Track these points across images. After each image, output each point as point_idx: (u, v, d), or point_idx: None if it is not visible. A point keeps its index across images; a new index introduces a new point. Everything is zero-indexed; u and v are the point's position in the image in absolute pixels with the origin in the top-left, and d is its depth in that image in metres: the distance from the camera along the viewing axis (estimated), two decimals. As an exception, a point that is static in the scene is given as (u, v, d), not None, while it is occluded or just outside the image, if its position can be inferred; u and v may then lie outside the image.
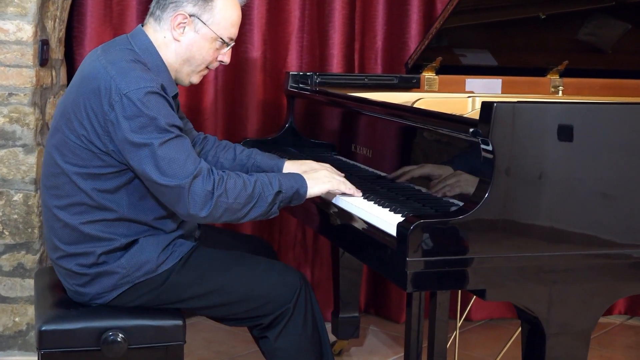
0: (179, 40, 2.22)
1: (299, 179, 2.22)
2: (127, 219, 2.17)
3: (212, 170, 2.11)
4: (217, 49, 2.27)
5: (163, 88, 2.12)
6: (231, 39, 2.28)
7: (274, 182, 2.17)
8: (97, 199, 2.14)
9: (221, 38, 2.25)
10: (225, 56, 2.30)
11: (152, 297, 2.21)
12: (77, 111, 2.12)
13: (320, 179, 2.25)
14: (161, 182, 2.06)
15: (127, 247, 2.19)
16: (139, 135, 2.05)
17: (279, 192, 2.16)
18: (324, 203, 2.35)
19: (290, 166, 2.49)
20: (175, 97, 2.25)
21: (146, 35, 2.23)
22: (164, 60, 2.22)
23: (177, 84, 2.29)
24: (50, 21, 3.06)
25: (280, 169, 2.49)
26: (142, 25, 2.26)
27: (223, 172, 2.14)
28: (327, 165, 2.39)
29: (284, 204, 2.20)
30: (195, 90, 3.44)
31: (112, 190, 2.15)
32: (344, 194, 2.26)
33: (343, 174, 2.34)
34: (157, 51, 2.22)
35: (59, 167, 2.16)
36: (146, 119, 2.04)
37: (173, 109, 2.14)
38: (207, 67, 2.29)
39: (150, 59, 2.20)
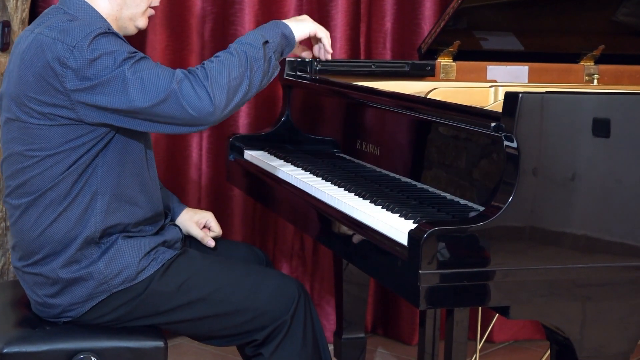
0: None
1: (275, 24, 2.33)
2: (104, 195, 2.19)
3: (189, 69, 2.16)
4: None
5: (110, 29, 2.16)
6: None
7: (254, 38, 2.24)
8: (71, 187, 2.16)
9: None
10: None
11: (129, 309, 2.22)
12: (29, 89, 2.14)
13: (305, 21, 2.39)
14: (147, 104, 2.09)
15: (104, 251, 2.20)
16: (105, 74, 2.08)
17: (265, 42, 2.24)
18: (324, 207, 2.36)
19: (185, 214, 2.58)
20: None
21: None
22: (101, 15, 2.25)
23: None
24: (11, 0, 3.06)
25: (176, 213, 2.58)
26: None
27: (201, 64, 2.19)
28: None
29: (279, 55, 2.29)
30: (177, 79, 3.44)
31: (88, 162, 2.17)
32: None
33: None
34: (92, 7, 2.25)
35: (27, 159, 2.18)
36: (105, 58, 2.09)
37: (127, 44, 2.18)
38: (149, 7, 2.33)
39: (88, 17, 2.22)
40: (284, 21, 2.34)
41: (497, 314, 2.30)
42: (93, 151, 2.17)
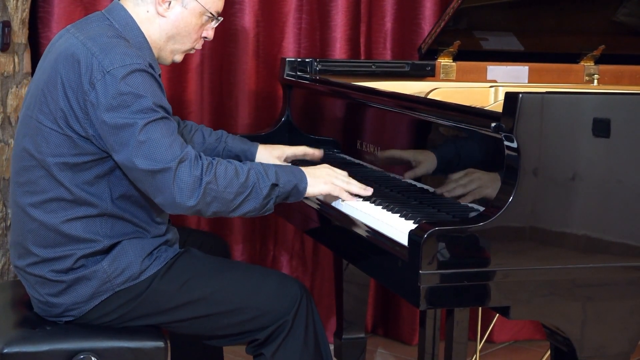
0: (164, 16, 2.28)
1: (298, 173, 2.26)
2: (111, 215, 2.21)
3: (200, 156, 2.15)
4: (202, 24, 2.34)
5: (151, 66, 2.17)
6: (219, 14, 2.36)
7: (270, 173, 2.21)
8: (77, 192, 2.17)
9: (210, 12, 2.32)
10: (210, 31, 2.38)
11: (132, 307, 2.23)
12: (53, 91, 2.15)
13: (321, 177, 2.28)
14: (142, 167, 2.09)
15: (108, 251, 2.21)
16: (121, 116, 2.09)
17: (275, 185, 2.20)
18: (324, 207, 2.36)
19: (263, 150, 2.65)
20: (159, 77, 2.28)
21: (125, 10, 2.28)
22: (146, 37, 2.27)
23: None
24: (12, 0, 3.06)
25: (253, 153, 2.64)
26: (119, 0, 2.31)
27: (212, 158, 2.19)
28: (325, 165, 2.40)
29: (280, 200, 2.24)
30: (177, 79, 3.44)
31: (92, 181, 2.18)
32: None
33: (345, 172, 2.35)
34: (138, 27, 2.27)
35: (34, 159, 2.19)
36: (130, 98, 2.09)
37: (162, 90, 2.19)
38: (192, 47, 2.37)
39: (132, 35, 2.25)
40: (306, 172, 2.27)
41: (498, 314, 2.30)
42: (101, 168, 2.18)
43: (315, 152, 2.69)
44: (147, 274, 2.23)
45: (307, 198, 2.40)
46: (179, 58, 2.37)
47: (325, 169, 2.32)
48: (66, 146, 2.15)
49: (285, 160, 2.68)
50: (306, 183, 2.25)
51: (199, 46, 2.38)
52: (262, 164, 2.25)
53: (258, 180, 2.18)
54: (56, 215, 2.19)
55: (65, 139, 2.15)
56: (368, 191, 2.29)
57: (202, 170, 2.12)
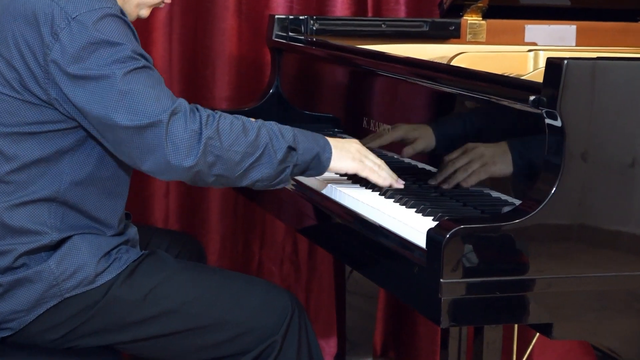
0: None
1: (321, 141, 2.25)
2: (63, 202, 2.21)
3: (197, 108, 2.15)
4: None
5: (122, 13, 2.19)
6: None
7: (287, 134, 2.20)
8: (29, 169, 2.19)
9: None
10: None
11: (84, 320, 2.22)
12: (4, 50, 2.17)
13: (350, 152, 2.28)
14: (125, 122, 2.09)
15: (56, 247, 2.22)
16: (93, 67, 2.10)
17: (292, 149, 2.19)
18: (322, 200, 2.36)
19: None
20: None
21: None
22: None
23: None
24: None
25: None
26: None
27: (214, 110, 2.18)
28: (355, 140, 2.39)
29: (298, 172, 2.23)
30: (141, 41, 3.43)
31: (51, 155, 2.19)
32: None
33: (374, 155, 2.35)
34: None
35: None
36: (104, 47, 2.11)
37: (137, 40, 2.20)
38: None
39: None
40: (332, 142, 2.27)
41: (538, 334, 2.30)
42: (64, 140, 2.19)
43: None
44: (104, 278, 2.23)
45: (300, 185, 2.40)
46: (144, 13, 2.39)
47: (355, 144, 2.32)
48: (23, 113, 2.17)
49: None
50: (330, 153, 2.25)
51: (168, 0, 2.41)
52: (276, 123, 2.23)
53: (271, 140, 2.18)
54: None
55: (21, 105, 2.16)
56: (400, 183, 2.29)
57: (200, 123, 2.12)
